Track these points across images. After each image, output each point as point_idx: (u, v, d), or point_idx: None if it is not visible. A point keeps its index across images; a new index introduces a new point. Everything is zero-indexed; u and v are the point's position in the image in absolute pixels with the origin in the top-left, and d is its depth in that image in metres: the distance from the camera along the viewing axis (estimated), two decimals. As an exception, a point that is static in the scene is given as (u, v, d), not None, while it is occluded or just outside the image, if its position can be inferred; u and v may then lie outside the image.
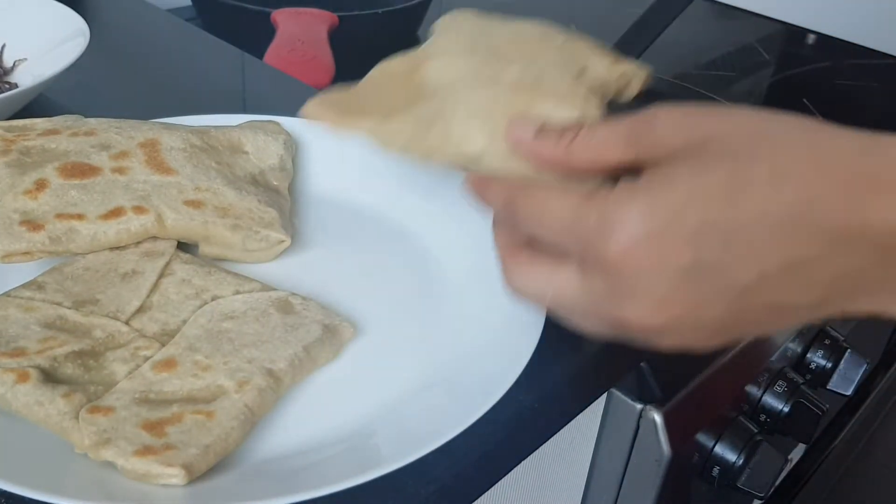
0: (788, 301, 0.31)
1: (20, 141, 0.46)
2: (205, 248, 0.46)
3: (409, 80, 0.42)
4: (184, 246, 0.46)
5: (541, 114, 0.39)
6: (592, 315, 0.34)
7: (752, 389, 0.59)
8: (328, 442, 0.36)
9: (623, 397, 0.53)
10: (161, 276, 0.42)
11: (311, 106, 0.40)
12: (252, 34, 0.81)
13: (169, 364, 0.37)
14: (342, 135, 0.40)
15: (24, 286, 0.41)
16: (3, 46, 0.65)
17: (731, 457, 0.56)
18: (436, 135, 0.38)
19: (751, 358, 0.58)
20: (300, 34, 0.80)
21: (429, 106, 0.39)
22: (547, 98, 0.40)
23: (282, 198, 0.50)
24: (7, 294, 0.40)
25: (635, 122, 0.34)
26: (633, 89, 0.46)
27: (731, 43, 1.09)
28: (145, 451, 0.33)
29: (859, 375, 0.65)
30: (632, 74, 0.46)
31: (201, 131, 0.50)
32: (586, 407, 0.47)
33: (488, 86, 0.40)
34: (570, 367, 0.41)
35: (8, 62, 0.64)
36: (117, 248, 0.44)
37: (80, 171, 0.45)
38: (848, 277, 0.30)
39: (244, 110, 0.62)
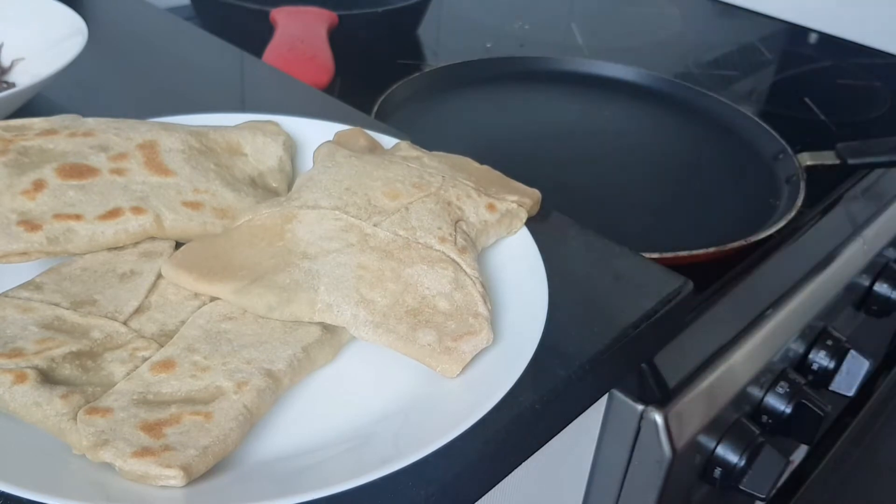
0: None
1: (18, 141, 0.46)
2: (203, 249, 0.45)
3: (279, 236, 0.42)
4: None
5: (409, 283, 0.40)
6: None
7: (754, 390, 0.59)
8: (327, 443, 0.36)
9: (624, 398, 0.52)
10: (159, 276, 0.42)
11: (171, 267, 0.41)
12: (251, 33, 0.81)
13: (167, 365, 0.37)
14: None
15: (21, 287, 0.41)
16: (1, 45, 0.65)
17: (732, 458, 0.56)
18: (301, 303, 0.39)
19: (752, 358, 0.58)
20: (300, 33, 0.80)
21: (292, 274, 0.40)
22: (414, 264, 0.41)
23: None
24: (5, 294, 0.40)
25: None
26: (517, 226, 0.48)
27: (733, 42, 1.09)
28: (143, 452, 0.32)
29: (861, 376, 0.65)
30: (514, 213, 0.47)
31: (200, 133, 0.50)
32: (587, 408, 0.47)
33: (356, 252, 0.41)
34: (570, 368, 0.41)
35: (6, 61, 0.64)
36: (115, 248, 0.43)
37: (78, 171, 0.44)
38: None
39: (243, 109, 0.62)
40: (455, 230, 0.44)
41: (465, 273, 0.42)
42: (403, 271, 0.41)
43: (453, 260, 0.42)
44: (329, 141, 0.51)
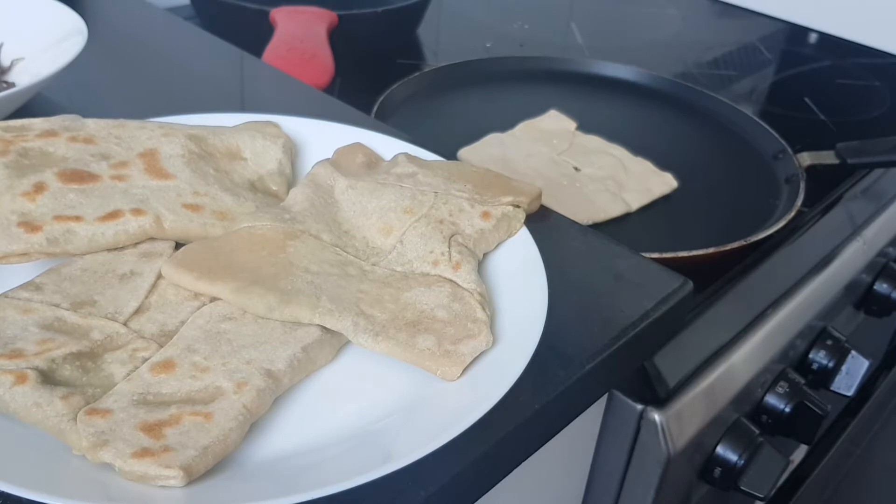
0: None
1: (18, 142, 0.46)
2: (203, 249, 0.45)
3: (280, 250, 0.43)
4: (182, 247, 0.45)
5: (408, 303, 0.41)
6: None
7: (754, 390, 0.59)
8: (327, 443, 0.36)
9: (624, 398, 0.52)
10: (159, 276, 0.42)
11: (171, 266, 0.41)
12: (251, 33, 0.81)
13: (167, 365, 0.37)
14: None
15: (21, 287, 0.41)
16: (1, 45, 0.65)
17: (732, 458, 0.56)
18: (302, 305, 0.40)
19: (752, 358, 0.58)
20: (299, 33, 0.80)
21: (294, 282, 0.41)
22: (412, 289, 0.42)
23: (280, 202, 0.49)
24: (5, 295, 0.40)
25: None
26: (516, 227, 0.48)
27: (733, 42, 1.09)
28: (143, 453, 0.32)
29: (861, 376, 0.65)
30: (511, 215, 0.48)
31: (199, 138, 0.50)
32: (587, 407, 0.47)
33: (356, 281, 0.42)
34: (570, 368, 0.41)
35: (5, 61, 0.64)
36: (115, 249, 0.43)
37: (79, 176, 0.45)
38: None
39: (242, 109, 0.62)
40: (449, 246, 0.45)
41: (462, 287, 0.42)
42: (402, 295, 0.42)
43: (448, 279, 0.43)
44: (327, 161, 0.51)
